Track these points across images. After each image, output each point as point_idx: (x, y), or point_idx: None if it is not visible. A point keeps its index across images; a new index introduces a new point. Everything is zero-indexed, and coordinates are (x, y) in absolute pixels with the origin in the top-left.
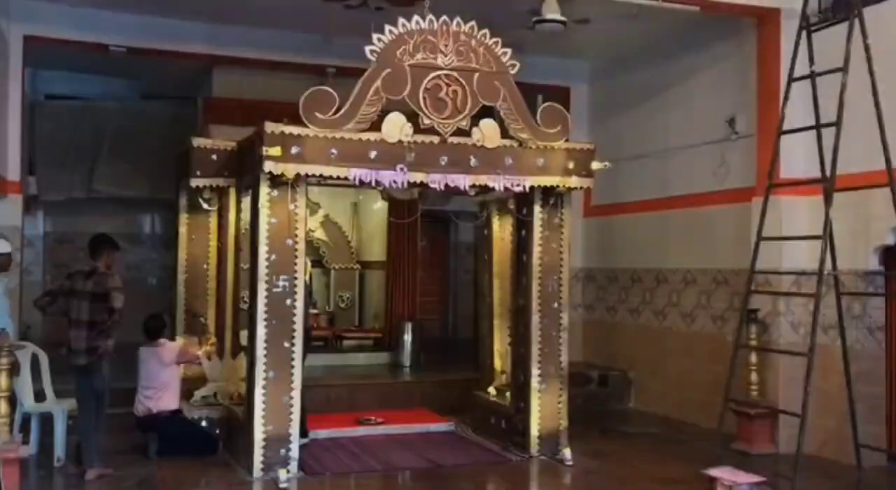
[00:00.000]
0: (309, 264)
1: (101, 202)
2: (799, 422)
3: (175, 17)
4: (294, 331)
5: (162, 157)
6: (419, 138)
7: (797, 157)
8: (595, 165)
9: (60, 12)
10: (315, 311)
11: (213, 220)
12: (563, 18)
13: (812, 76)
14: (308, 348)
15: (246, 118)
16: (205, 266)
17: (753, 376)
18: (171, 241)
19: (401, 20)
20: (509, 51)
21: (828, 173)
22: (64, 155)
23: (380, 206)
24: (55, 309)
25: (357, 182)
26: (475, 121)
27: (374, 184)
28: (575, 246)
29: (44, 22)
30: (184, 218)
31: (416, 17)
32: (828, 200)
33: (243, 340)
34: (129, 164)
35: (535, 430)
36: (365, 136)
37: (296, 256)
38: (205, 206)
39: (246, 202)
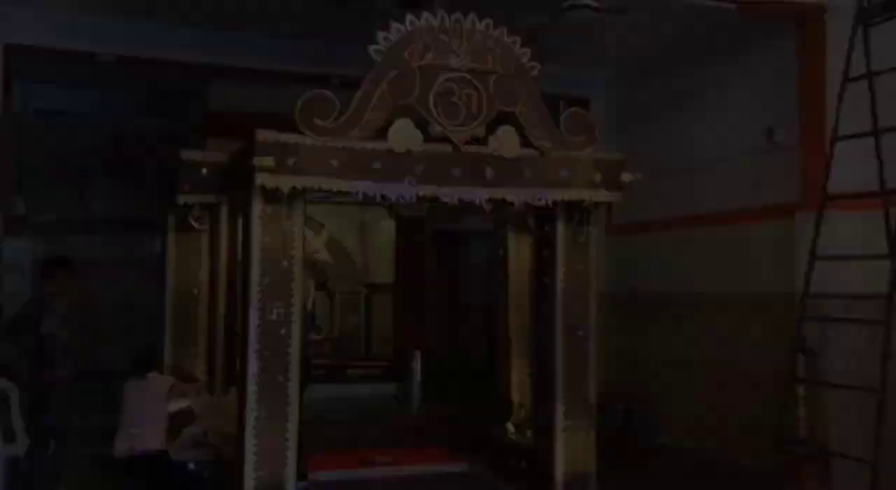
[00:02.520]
0: (313, 288)
1: (94, 223)
2: (860, 464)
3: (168, 24)
4: (290, 363)
5: (158, 175)
6: (429, 147)
7: (843, 168)
8: (626, 177)
9: (44, 20)
10: (317, 337)
11: (204, 241)
12: (595, 4)
13: (869, 75)
14: (308, 379)
15: (246, 132)
16: (195, 291)
17: (802, 411)
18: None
19: (409, 17)
20: (529, 51)
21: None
22: (54, 173)
23: (386, 225)
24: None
25: (360, 197)
26: (491, 128)
27: (379, 199)
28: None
29: (26, 30)
30: (172, 239)
31: (425, 14)
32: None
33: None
34: (124, 182)
35: (561, 473)
36: (369, 145)
37: (292, 280)
38: (195, 225)
39: (239, 221)
